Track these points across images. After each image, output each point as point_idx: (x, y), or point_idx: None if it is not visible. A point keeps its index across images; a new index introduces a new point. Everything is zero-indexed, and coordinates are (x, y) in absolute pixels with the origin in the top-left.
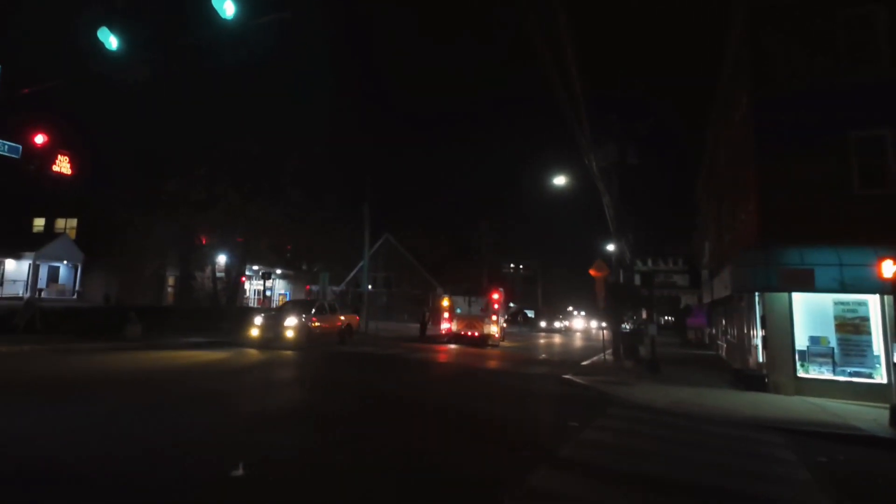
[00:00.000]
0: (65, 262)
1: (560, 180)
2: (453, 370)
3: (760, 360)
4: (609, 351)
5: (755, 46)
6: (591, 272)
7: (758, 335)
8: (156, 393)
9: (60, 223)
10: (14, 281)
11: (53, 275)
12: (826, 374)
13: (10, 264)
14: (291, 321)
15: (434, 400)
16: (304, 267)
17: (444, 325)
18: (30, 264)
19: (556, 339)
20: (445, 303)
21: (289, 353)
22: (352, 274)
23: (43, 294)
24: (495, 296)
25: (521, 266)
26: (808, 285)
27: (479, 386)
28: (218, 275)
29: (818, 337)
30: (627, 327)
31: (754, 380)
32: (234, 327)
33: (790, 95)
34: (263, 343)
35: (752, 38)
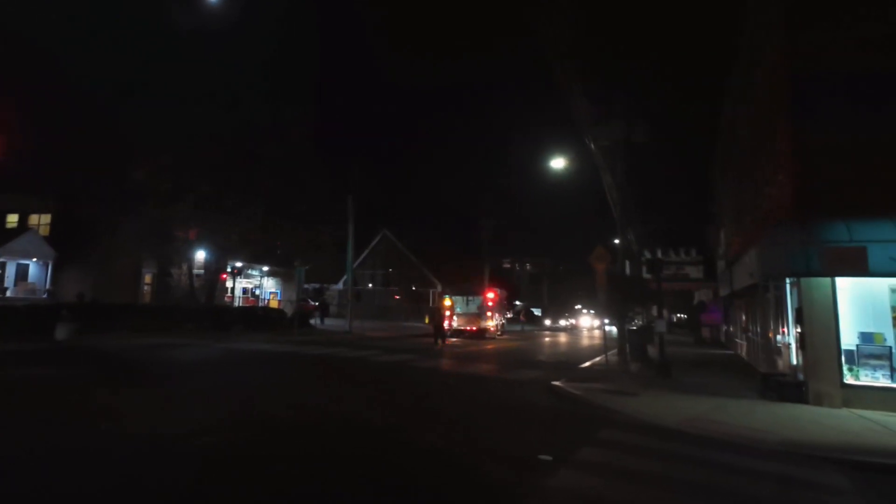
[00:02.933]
0: (34, 259)
1: (559, 163)
2: (418, 379)
3: (794, 362)
4: (612, 352)
5: None
6: (590, 261)
7: (790, 332)
8: None
9: (34, 219)
10: None
11: (23, 273)
12: (882, 381)
13: None
14: None
15: (364, 423)
16: (296, 264)
17: (446, 323)
18: None
19: (561, 337)
20: (447, 302)
21: None
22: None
23: (8, 293)
24: (490, 294)
25: (527, 264)
26: (859, 267)
27: (443, 399)
28: (197, 272)
29: (871, 334)
30: (640, 322)
31: (789, 388)
32: (199, 327)
33: (834, 35)
34: None
35: None
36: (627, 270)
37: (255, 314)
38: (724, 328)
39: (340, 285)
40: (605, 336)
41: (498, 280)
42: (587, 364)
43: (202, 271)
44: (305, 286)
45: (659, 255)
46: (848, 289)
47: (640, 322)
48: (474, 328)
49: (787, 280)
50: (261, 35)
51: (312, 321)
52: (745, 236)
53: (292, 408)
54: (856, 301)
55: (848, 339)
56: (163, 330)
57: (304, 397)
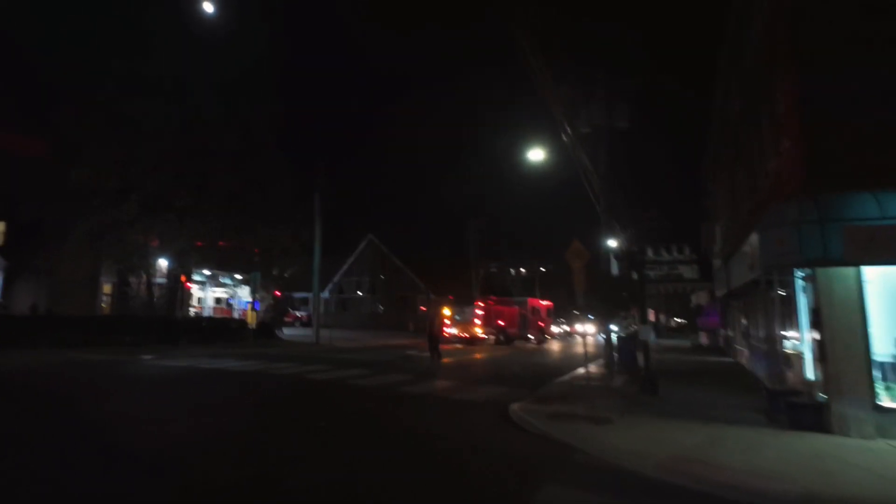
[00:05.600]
0: None
1: (537, 154)
2: (348, 400)
3: (809, 376)
4: (593, 363)
5: None
6: (566, 258)
7: (803, 338)
8: None
9: None
10: None
11: None
12: None
13: None
14: None
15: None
16: (274, 272)
17: (448, 330)
18: None
19: (552, 344)
20: (447, 311)
21: None
22: (335, 278)
23: None
24: (480, 303)
25: (520, 268)
26: (895, 252)
27: (345, 437)
28: (159, 280)
29: None
30: (634, 328)
31: (804, 411)
32: (143, 340)
33: None
34: None
35: None
36: (615, 270)
37: (211, 325)
38: (723, 332)
39: (326, 293)
40: (585, 346)
41: (490, 285)
42: (566, 377)
43: (164, 280)
44: (292, 295)
45: (650, 253)
46: (879, 282)
47: (634, 327)
48: (467, 335)
49: (798, 272)
50: (214, 16)
51: (279, 331)
52: (743, 226)
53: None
54: (890, 298)
55: (882, 348)
56: (96, 344)
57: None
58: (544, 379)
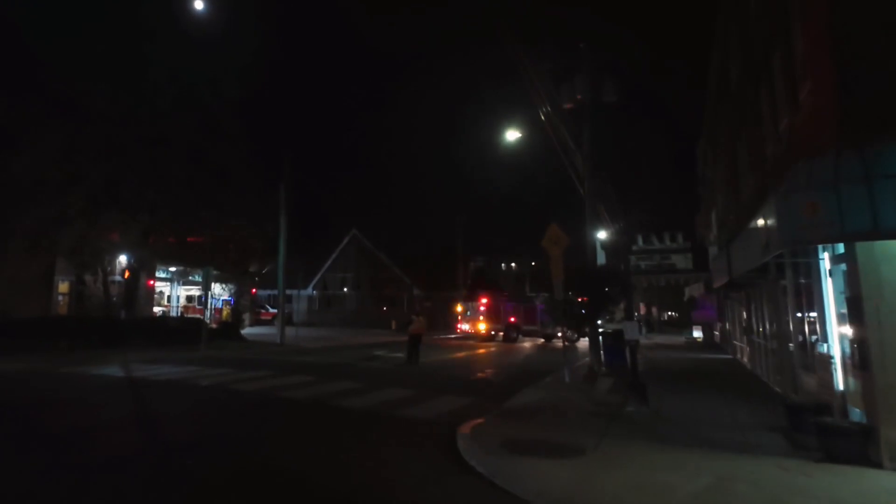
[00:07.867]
0: None
1: (513, 135)
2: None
3: (840, 386)
4: (572, 366)
5: None
6: (543, 245)
7: (829, 335)
8: None
9: None
10: None
11: None
12: None
13: None
14: None
15: None
16: (251, 269)
17: (462, 326)
18: None
19: (542, 341)
20: (459, 308)
21: None
22: (319, 274)
23: None
24: (483, 300)
25: (512, 263)
26: None
27: (217, 485)
28: (118, 278)
29: None
30: (623, 323)
31: (844, 438)
32: (84, 344)
33: None
34: None
35: None
36: (602, 261)
37: (165, 325)
38: (720, 326)
39: (311, 290)
40: (564, 347)
41: (479, 280)
42: (543, 381)
43: (120, 277)
44: (275, 293)
45: (640, 241)
46: None
47: (621, 323)
48: (472, 330)
49: (824, 249)
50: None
51: (242, 330)
52: (747, 205)
53: None
54: None
55: None
56: (26, 350)
57: None
58: (522, 383)
